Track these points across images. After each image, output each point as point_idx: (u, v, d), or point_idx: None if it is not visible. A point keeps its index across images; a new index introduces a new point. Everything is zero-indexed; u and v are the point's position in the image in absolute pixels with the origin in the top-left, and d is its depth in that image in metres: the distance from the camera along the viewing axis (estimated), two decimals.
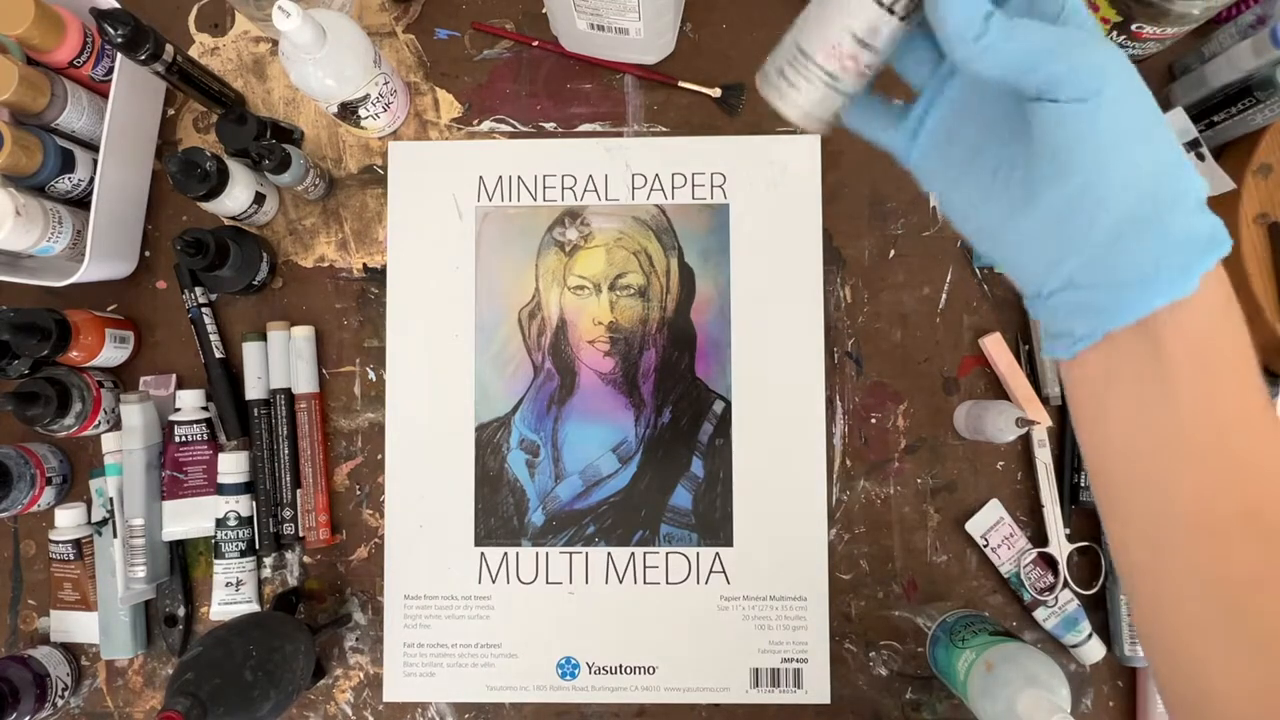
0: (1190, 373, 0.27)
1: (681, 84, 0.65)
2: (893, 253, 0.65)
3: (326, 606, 0.64)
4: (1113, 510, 0.31)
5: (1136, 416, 0.28)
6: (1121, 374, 0.28)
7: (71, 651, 0.64)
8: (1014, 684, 0.49)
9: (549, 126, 0.66)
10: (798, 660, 0.62)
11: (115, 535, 0.61)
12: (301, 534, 0.64)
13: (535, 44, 0.66)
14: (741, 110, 0.65)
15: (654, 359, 0.64)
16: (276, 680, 0.52)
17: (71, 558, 0.63)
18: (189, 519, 0.62)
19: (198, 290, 0.64)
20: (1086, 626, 0.60)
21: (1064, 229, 0.27)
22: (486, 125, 0.66)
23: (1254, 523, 0.27)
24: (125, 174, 0.62)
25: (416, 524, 0.64)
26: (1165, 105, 0.60)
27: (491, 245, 0.65)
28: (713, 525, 0.63)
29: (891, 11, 0.28)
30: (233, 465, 0.62)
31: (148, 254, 0.66)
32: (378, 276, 0.66)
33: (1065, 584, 0.61)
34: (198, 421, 0.63)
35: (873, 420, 0.64)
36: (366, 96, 0.59)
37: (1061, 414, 0.63)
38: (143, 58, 0.53)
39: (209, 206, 0.60)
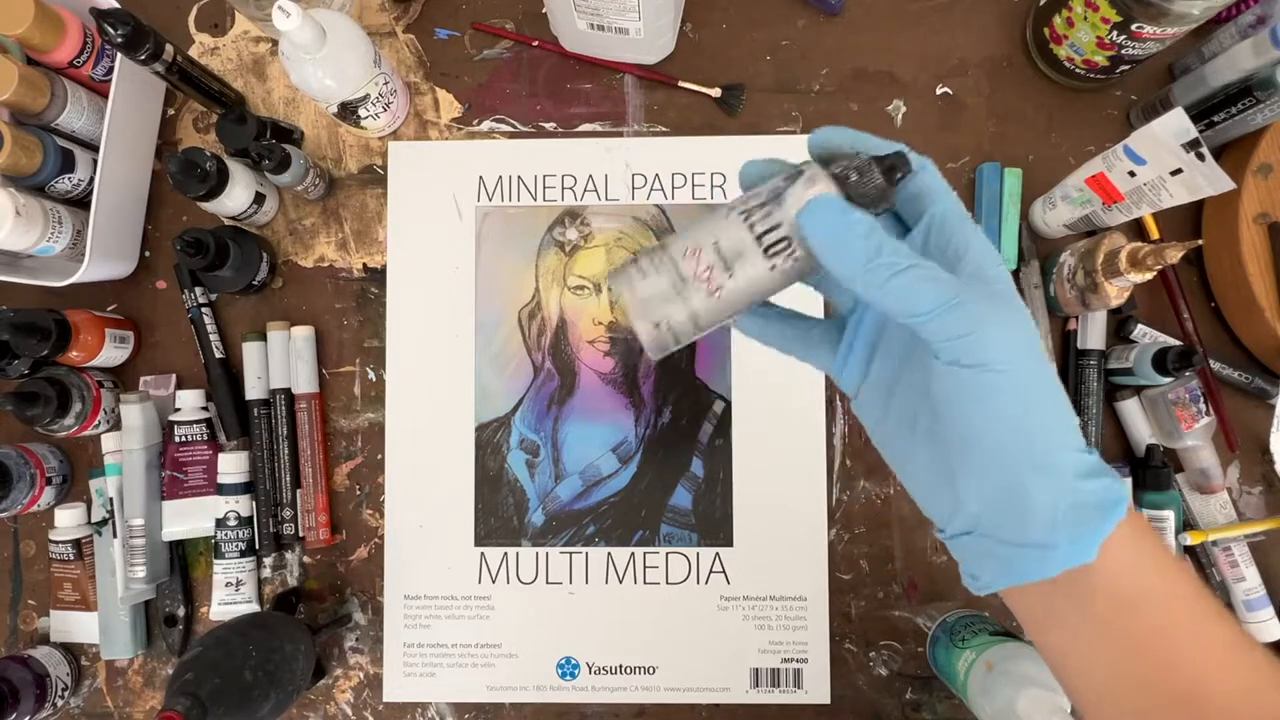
0: (1121, 619, 0.28)
1: (681, 84, 0.65)
2: None
3: (326, 606, 0.64)
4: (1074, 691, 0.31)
5: (1073, 652, 0.29)
6: (1047, 619, 0.29)
7: (71, 651, 0.64)
8: (1014, 684, 0.49)
9: (549, 126, 0.66)
10: (798, 660, 0.62)
11: (115, 535, 0.61)
12: (301, 534, 0.64)
13: (535, 44, 0.66)
14: (741, 110, 0.65)
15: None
16: (276, 680, 0.52)
17: (71, 558, 0.62)
18: (189, 519, 0.62)
19: (198, 290, 0.64)
20: None
21: (955, 479, 0.28)
22: (486, 125, 0.66)
23: None
24: (125, 174, 0.62)
25: (416, 524, 0.64)
26: (1165, 105, 0.60)
27: (491, 245, 0.65)
28: (713, 525, 0.63)
29: (759, 241, 0.28)
30: (233, 465, 0.62)
31: (148, 254, 0.66)
32: (378, 276, 0.66)
33: None
34: (198, 421, 0.63)
35: None
36: (366, 96, 0.59)
37: None
38: (143, 58, 0.53)
39: (209, 206, 0.60)
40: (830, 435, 0.63)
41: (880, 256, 0.26)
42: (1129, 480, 0.61)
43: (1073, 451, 0.27)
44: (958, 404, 0.27)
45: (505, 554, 0.63)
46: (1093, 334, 0.61)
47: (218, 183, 0.58)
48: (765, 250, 0.28)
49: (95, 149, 0.60)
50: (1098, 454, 0.28)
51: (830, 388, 0.63)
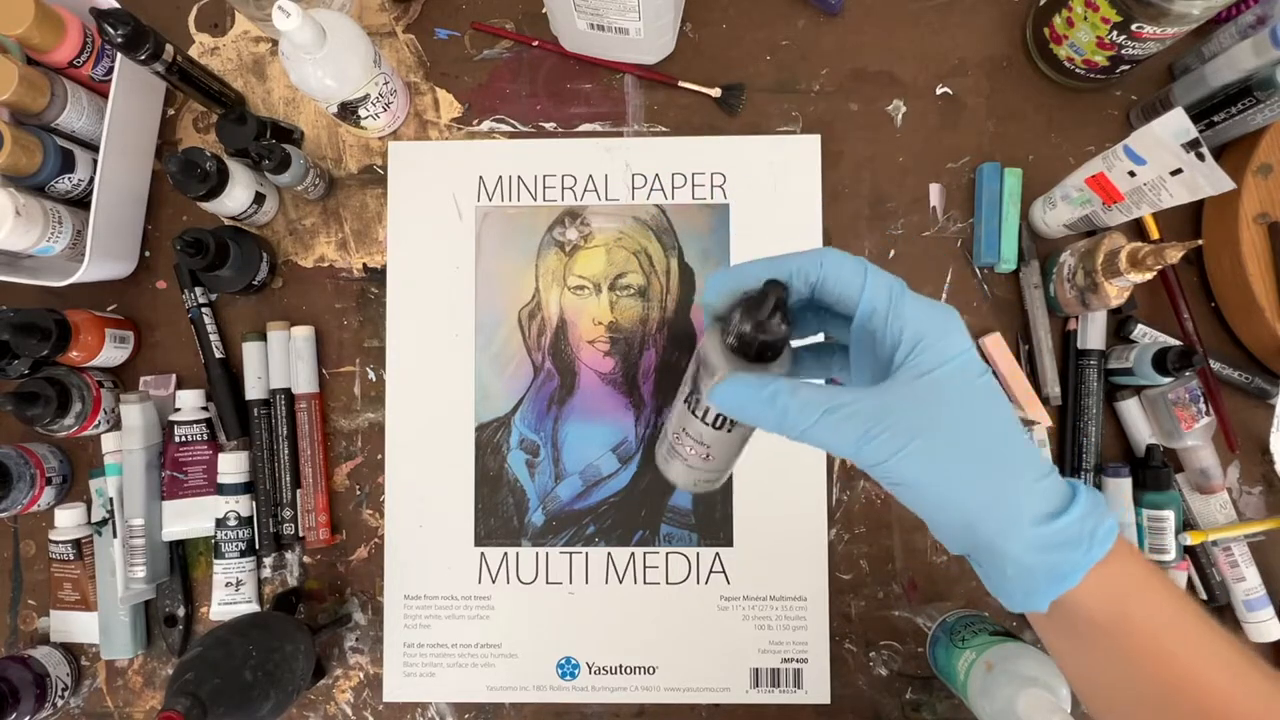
0: (1109, 643, 0.28)
1: (681, 84, 0.65)
2: (893, 253, 0.65)
3: (326, 606, 0.64)
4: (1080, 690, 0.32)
5: (1078, 662, 0.31)
6: (1047, 632, 0.31)
7: (71, 651, 0.64)
8: (1014, 684, 0.49)
9: (549, 126, 0.66)
10: (798, 660, 0.62)
11: (115, 535, 0.61)
12: (301, 534, 0.64)
13: (535, 44, 0.66)
14: (741, 110, 0.65)
15: (654, 359, 0.64)
16: (276, 680, 0.52)
17: (71, 558, 0.62)
18: (189, 519, 0.62)
19: (198, 290, 0.64)
20: None
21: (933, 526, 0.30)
22: (486, 125, 0.66)
23: None
24: (125, 174, 0.62)
25: (416, 524, 0.64)
26: (1165, 105, 0.60)
27: (491, 245, 0.65)
28: (713, 525, 0.63)
29: (704, 421, 0.33)
30: (233, 465, 0.62)
31: (148, 254, 0.66)
32: (378, 276, 0.66)
33: None
34: (198, 421, 0.63)
35: None
36: (366, 96, 0.59)
37: (1061, 414, 0.63)
38: (143, 58, 0.53)
39: (209, 206, 0.60)
40: None
41: (787, 418, 0.28)
42: (1127, 480, 0.61)
43: (1025, 526, 0.27)
44: (903, 499, 0.29)
45: (505, 554, 0.63)
46: (1093, 334, 0.61)
47: (218, 183, 0.58)
48: (713, 425, 0.33)
49: (95, 149, 0.60)
50: (1072, 502, 0.27)
51: None
